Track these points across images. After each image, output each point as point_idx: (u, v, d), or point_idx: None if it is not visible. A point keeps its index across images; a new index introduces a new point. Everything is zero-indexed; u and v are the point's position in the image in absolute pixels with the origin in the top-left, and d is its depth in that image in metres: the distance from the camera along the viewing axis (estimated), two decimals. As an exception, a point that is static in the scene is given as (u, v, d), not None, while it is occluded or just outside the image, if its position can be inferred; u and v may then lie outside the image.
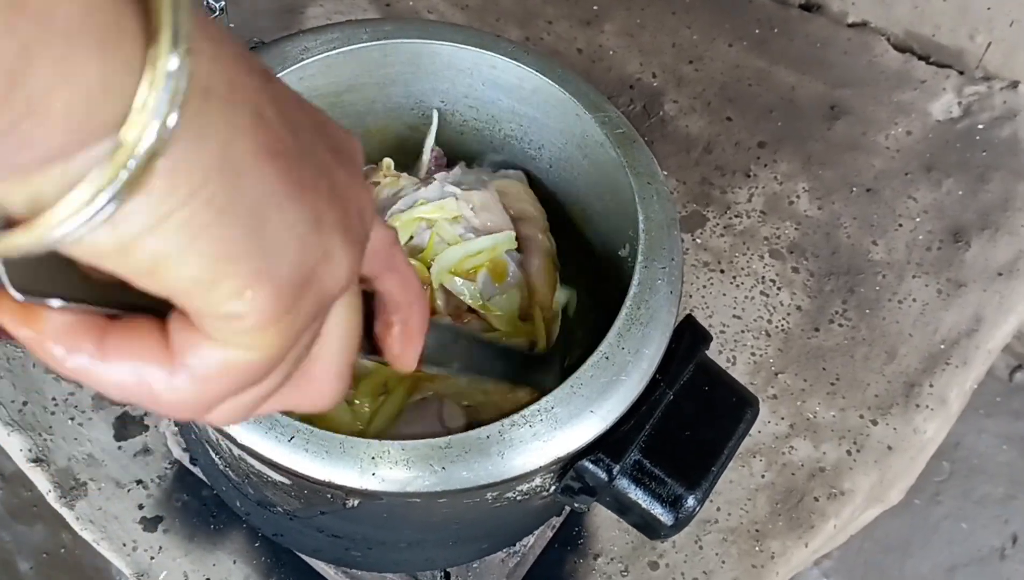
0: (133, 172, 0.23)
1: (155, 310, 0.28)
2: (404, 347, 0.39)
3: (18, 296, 0.26)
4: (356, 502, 0.53)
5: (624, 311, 0.57)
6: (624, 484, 0.55)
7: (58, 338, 0.28)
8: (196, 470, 0.82)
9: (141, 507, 0.83)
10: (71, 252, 0.25)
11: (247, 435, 0.52)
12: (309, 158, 0.28)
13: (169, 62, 0.23)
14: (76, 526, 0.83)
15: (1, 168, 0.23)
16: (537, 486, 0.56)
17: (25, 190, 0.24)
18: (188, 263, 0.25)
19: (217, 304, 0.27)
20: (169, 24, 0.23)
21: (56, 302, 0.27)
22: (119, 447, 0.86)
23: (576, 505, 0.58)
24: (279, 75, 0.64)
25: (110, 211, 0.23)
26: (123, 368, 0.28)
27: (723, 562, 0.84)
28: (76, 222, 0.23)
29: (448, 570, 0.76)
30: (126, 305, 0.28)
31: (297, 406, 0.33)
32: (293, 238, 0.27)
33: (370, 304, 0.38)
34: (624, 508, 0.56)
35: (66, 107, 0.22)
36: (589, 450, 0.54)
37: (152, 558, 0.81)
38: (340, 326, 0.32)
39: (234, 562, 0.82)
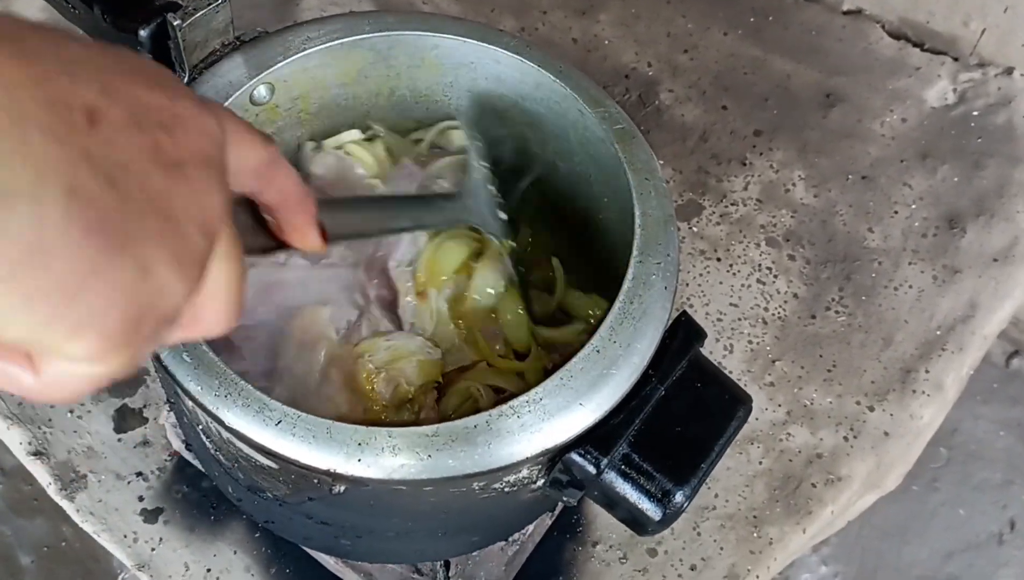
0: None
1: None
2: (302, 236, 0.45)
3: None
4: (342, 488, 0.53)
5: (617, 305, 0.57)
6: (612, 478, 0.55)
7: None
8: (196, 462, 0.83)
9: (141, 499, 0.84)
10: None
11: (235, 418, 0.52)
12: (135, 205, 0.29)
13: None
14: (77, 518, 0.83)
15: None
16: (525, 477, 0.56)
17: None
18: (11, 328, 0.28)
19: (49, 351, 0.29)
20: None
21: None
22: (119, 439, 0.86)
23: (565, 499, 0.57)
24: (281, 65, 0.65)
25: None
26: None
27: (721, 548, 0.84)
28: None
29: (448, 560, 0.76)
30: None
31: (191, 338, 0.36)
32: (116, 293, 0.29)
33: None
34: (612, 502, 0.56)
35: None
36: (577, 443, 0.54)
37: (153, 549, 0.81)
38: (221, 275, 0.34)
39: (235, 553, 0.82)
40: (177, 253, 0.31)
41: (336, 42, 0.67)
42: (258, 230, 0.45)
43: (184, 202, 0.31)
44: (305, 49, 0.66)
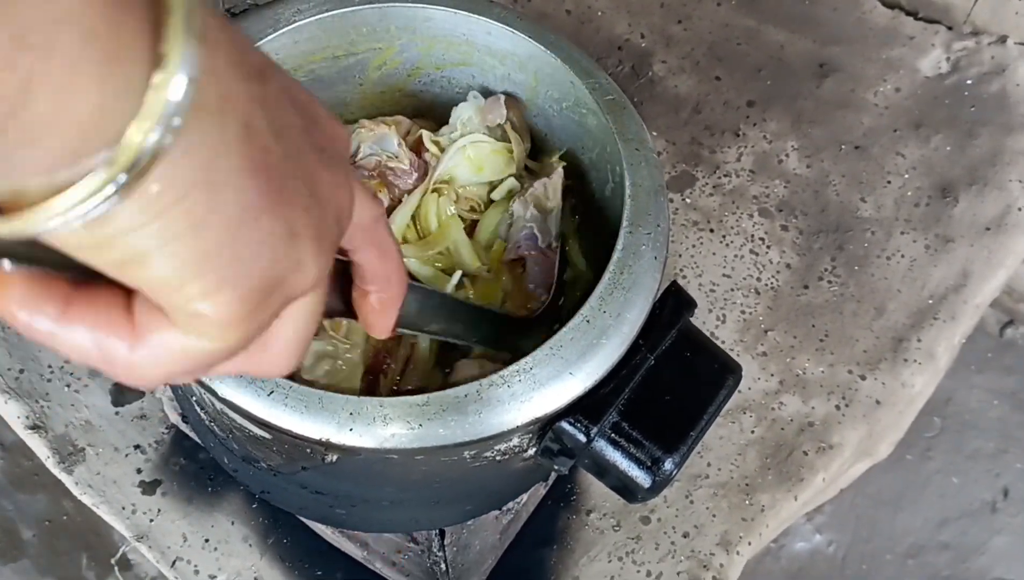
0: (125, 183, 0.24)
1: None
2: (379, 317, 0.40)
3: None
4: (335, 457, 0.54)
5: (607, 276, 0.57)
6: (602, 446, 0.55)
7: (22, 302, 0.28)
8: (192, 434, 0.83)
9: (139, 471, 0.84)
10: (43, 239, 0.25)
11: (227, 389, 0.52)
12: (292, 167, 0.28)
13: (173, 90, 0.23)
14: (75, 491, 0.84)
15: None
16: (515, 446, 0.56)
17: (4, 183, 0.24)
18: (157, 266, 0.26)
19: (183, 303, 0.27)
20: (179, 51, 0.23)
21: (6, 264, 0.27)
22: (116, 413, 0.87)
23: (556, 467, 0.58)
24: (272, 38, 0.65)
25: (98, 213, 0.24)
26: (85, 336, 0.29)
27: (714, 516, 0.85)
28: (64, 220, 0.24)
29: (443, 528, 0.77)
30: (89, 270, 0.28)
31: (247, 373, 0.33)
32: (265, 249, 0.28)
33: (348, 267, 0.39)
34: (602, 470, 0.56)
35: (63, 133, 0.22)
36: (567, 412, 0.55)
37: (151, 521, 0.82)
38: (301, 312, 0.32)
39: (232, 523, 0.83)
40: (319, 231, 0.29)
41: (327, 14, 0.67)
42: (332, 290, 0.40)
43: (327, 188, 0.30)
44: (295, 21, 0.66)
